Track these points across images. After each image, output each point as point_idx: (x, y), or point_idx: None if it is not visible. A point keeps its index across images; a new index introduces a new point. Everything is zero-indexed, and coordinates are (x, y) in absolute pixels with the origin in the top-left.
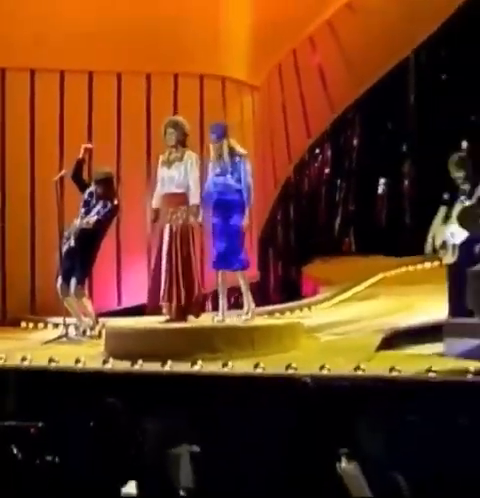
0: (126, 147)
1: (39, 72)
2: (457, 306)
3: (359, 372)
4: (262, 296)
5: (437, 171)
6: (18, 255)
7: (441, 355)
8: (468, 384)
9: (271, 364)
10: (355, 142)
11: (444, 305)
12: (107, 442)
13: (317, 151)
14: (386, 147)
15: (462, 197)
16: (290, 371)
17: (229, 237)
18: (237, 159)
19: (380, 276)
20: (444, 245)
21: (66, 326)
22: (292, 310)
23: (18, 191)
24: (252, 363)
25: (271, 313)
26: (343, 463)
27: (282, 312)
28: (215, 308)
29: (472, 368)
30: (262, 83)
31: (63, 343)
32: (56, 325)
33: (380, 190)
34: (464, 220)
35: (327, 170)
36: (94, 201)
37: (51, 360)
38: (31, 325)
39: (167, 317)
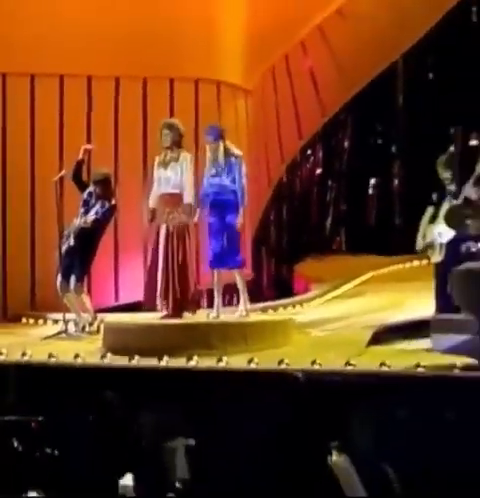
0: (123, 149)
1: (39, 77)
2: (444, 303)
3: (349, 367)
4: (256, 293)
5: (425, 172)
6: (19, 253)
7: (429, 350)
8: (455, 379)
9: (264, 359)
10: (346, 144)
11: (432, 302)
12: (105, 435)
13: (309, 152)
14: (376, 148)
15: (449, 197)
16: (282, 366)
17: (225, 237)
18: (232, 160)
19: (370, 274)
20: (432, 244)
21: (65, 322)
22: (284, 307)
23: (19, 191)
24: (246, 358)
25: (264, 310)
26: (334, 456)
27: (275, 309)
28: (210, 305)
29: (459, 363)
30: (256, 87)
31: (62, 339)
32: (56, 321)
33: (370, 190)
34: (451, 220)
35: (319, 171)
36: (93, 201)
37: (51, 355)
38: (31, 321)
39: (163, 313)
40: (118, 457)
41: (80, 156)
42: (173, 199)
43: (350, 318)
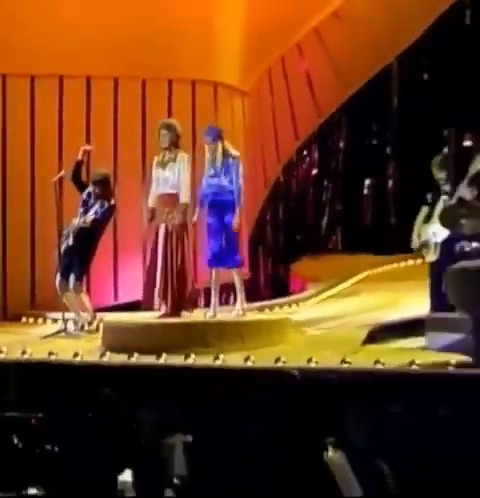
0: (122, 149)
1: (39, 77)
2: (439, 302)
3: (345, 365)
4: (252, 292)
5: (420, 172)
6: (19, 253)
7: (423, 348)
8: (449, 376)
9: (261, 357)
10: (341, 144)
11: (426, 301)
12: (104, 432)
13: (305, 153)
14: (371, 149)
15: (444, 197)
16: (279, 364)
17: (224, 236)
18: (230, 161)
19: (365, 273)
20: (426, 243)
21: (65, 321)
22: (281, 306)
23: (19, 191)
24: (242, 356)
25: (261, 309)
26: (330, 452)
27: (271, 308)
28: (207, 304)
29: (453, 361)
30: (252, 88)
31: (62, 337)
32: (55, 320)
33: (365, 190)
34: (445, 220)
35: (314, 171)
36: (92, 201)
37: (50, 353)
38: (31, 320)
39: (162, 312)
40: (117, 453)
41: (79, 157)
42: (172, 199)
43: (346, 317)
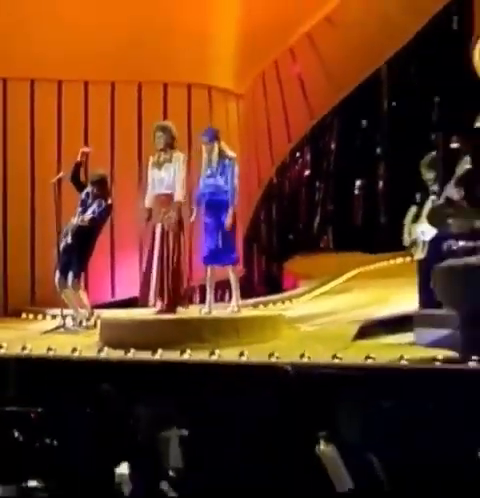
0: (119, 151)
1: (38, 81)
2: (427, 298)
3: (336, 360)
4: (247, 289)
5: (409, 173)
6: (19, 251)
7: (412, 344)
8: (436, 371)
9: (255, 353)
10: (333, 146)
11: (415, 297)
12: (102, 426)
13: (298, 154)
14: (362, 151)
15: (432, 197)
16: (273, 359)
17: (221, 235)
18: (226, 162)
19: (356, 271)
20: (415, 242)
21: (63, 317)
22: (274, 302)
23: (19, 191)
24: (237, 352)
25: (255, 305)
26: (322, 445)
27: (265, 304)
28: (203, 301)
29: (440, 356)
30: (246, 91)
31: (61, 333)
32: (54, 316)
33: (356, 191)
34: (433, 219)
35: (307, 172)
36: (90, 200)
37: (49, 349)
38: (31, 316)
39: (158, 309)
40: (114, 446)
41: (78, 158)
42: (168, 199)
43: (337, 313)
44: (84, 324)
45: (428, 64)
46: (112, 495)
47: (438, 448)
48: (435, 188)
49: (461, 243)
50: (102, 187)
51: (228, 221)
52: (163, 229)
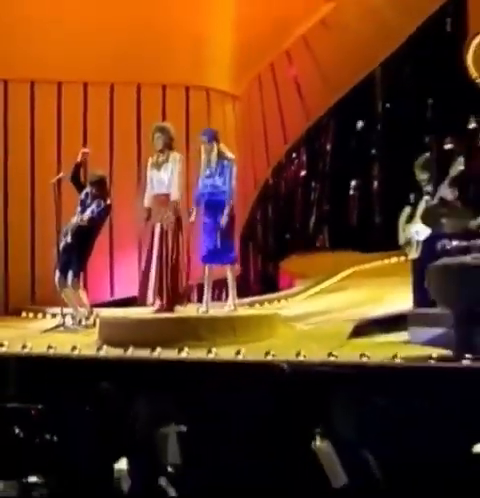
0: (118, 151)
1: (38, 83)
2: (421, 297)
3: (332, 358)
4: (243, 288)
5: (403, 174)
6: (19, 251)
7: (406, 342)
8: (431, 369)
9: (251, 351)
10: (328, 147)
11: (409, 296)
12: (101, 422)
13: (293, 155)
14: (357, 151)
15: (426, 198)
16: (269, 357)
17: (219, 235)
18: (225, 163)
19: (351, 270)
20: (409, 242)
21: (63, 316)
22: (270, 301)
23: (19, 192)
24: (234, 350)
25: (251, 304)
26: (317, 441)
27: (261, 303)
28: (200, 300)
29: (434, 354)
30: (243, 93)
31: (60, 332)
32: (54, 315)
33: (351, 191)
34: (427, 219)
35: (303, 173)
36: (89, 200)
37: (49, 347)
38: (31, 315)
39: (156, 308)
40: (113, 443)
41: (78, 159)
42: (167, 199)
43: (332, 312)
44: (83, 323)
45: (422, 66)
46: (111, 491)
47: (432, 445)
48: (429, 188)
49: (455, 243)
50: (101, 187)
51: (224, 220)
52: (162, 229)
